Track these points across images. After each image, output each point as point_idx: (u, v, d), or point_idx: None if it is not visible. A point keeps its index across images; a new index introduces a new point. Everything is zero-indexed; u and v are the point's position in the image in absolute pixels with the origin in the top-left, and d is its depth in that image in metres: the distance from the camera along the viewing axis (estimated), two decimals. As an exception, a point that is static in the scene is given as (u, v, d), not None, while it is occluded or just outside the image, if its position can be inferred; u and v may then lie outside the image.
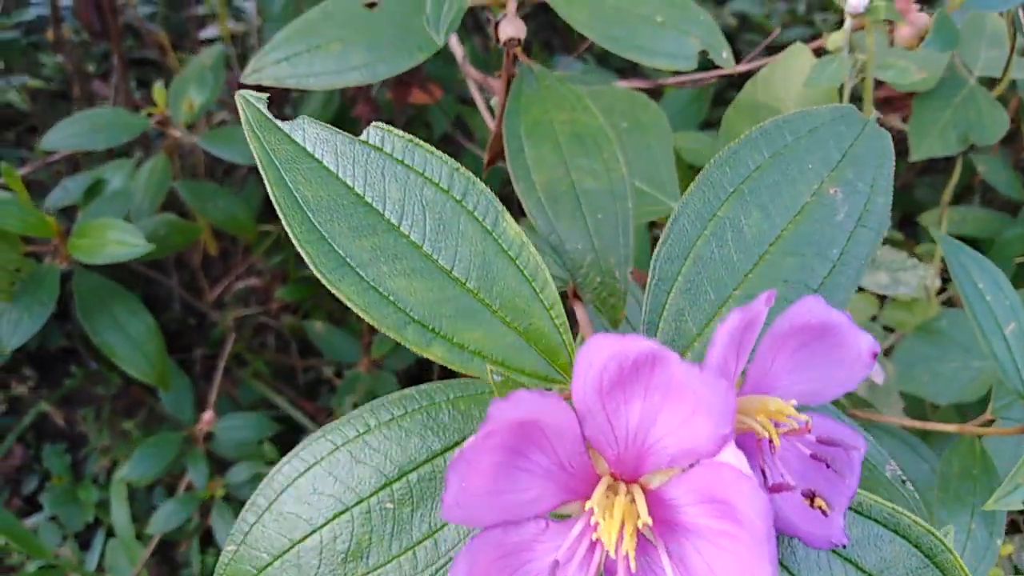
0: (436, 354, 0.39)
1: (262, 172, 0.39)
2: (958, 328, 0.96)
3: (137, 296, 1.07)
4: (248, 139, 0.40)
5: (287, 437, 2.11)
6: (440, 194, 0.39)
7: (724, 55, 0.66)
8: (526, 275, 0.40)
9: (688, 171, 0.88)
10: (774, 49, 1.02)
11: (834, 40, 0.69)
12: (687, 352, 0.42)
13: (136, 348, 1.05)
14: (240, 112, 0.40)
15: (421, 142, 0.40)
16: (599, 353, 0.32)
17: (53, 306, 0.97)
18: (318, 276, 0.39)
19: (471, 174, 0.40)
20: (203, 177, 2.02)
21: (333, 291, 0.39)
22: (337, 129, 0.41)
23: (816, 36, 2.36)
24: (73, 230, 0.97)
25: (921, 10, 0.72)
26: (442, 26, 0.59)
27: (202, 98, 1.21)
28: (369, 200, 0.40)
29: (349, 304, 0.39)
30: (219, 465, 1.61)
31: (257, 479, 1.33)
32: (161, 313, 2.13)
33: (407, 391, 0.43)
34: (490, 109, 0.82)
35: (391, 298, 0.39)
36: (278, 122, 0.40)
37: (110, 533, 1.85)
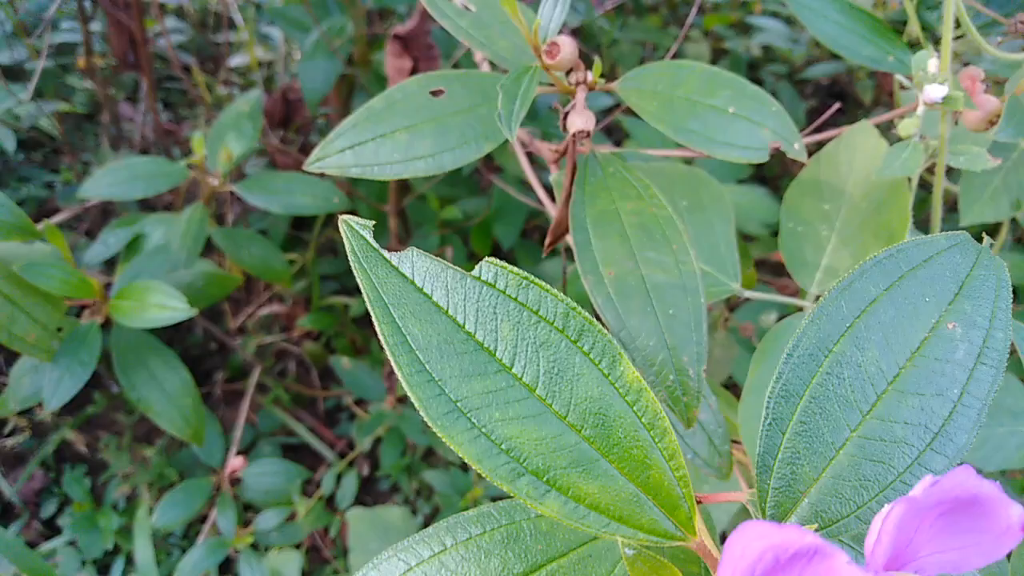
0: (551, 508, 0.36)
1: (368, 307, 0.36)
2: (1007, 392, 0.93)
3: (174, 351, 1.04)
4: (354, 270, 0.37)
5: (306, 460, 2.08)
6: (555, 334, 0.37)
7: (796, 147, 0.63)
8: (644, 422, 0.37)
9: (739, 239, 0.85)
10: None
11: (906, 127, 0.66)
12: (803, 497, 0.39)
13: (172, 403, 1.03)
14: (344, 240, 0.38)
15: (535, 279, 0.37)
16: (754, 543, 0.29)
17: (94, 365, 0.94)
18: (428, 422, 0.36)
19: (586, 313, 0.37)
20: (226, 207, 1.99)
21: (443, 438, 0.36)
22: (447, 263, 0.38)
23: (849, 71, 2.32)
24: (113, 290, 0.94)
25: (987, 91, 0.69)
26: (514, 123, 0.56)
27: (240, 148, 1.18)
28: (480, 339, 0.37)
29: (460, 453, 0.36)
30: (244, 505, 1.58)
31: (285, 526, 1.30)
32: (183, 339, 2.10)
33: (484, 508, 0.41)
34: (545, 186, 0.79)
35: (504, 446, 0.36)
36: (386, 253, 0.38)
37: (129, 560, 1.82)
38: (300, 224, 2.19)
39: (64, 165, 2.45)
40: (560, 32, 0.63)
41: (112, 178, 1.16)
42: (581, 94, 0.61)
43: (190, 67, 2.43)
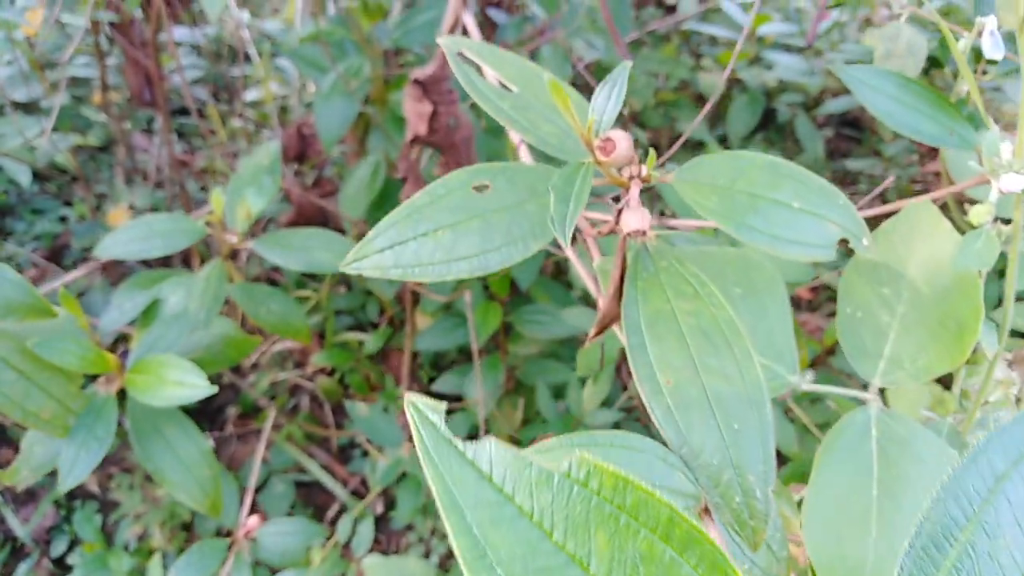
0: None
1: (441, 512, 0.31)
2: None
3: (191, 420, 0.99)
4: (424, 465, 0.31)
5: (318, 498, 2.03)
6: (658, 545, 0.31)
7: (864, 242, 0.58)
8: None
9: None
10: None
11: (978, 215, 0.61)
12: None
13: (189, 473, 0.97)
14: (412, 428, 0.32)
15: (634, 479, 0.31)
16: None
17: (111, 440, 0.89)
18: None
19: (691, 520, 0.31)
20: (242, 258, 1.94)
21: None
22: (529, 456, 0.32)
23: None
24: (130, 361, 0.89)
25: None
26: (568, 226, 0.51)
27: (260, 204, 1.13)
28: (572, 551, 0.31)
29: None
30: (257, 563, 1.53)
31: (302, 581, 1.25)
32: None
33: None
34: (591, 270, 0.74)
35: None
36: (459, 443, 0.32)
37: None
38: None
39: (78, 198, 2.41)
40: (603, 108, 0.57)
41: (129, 235, 1.11)
42: (635, 189, 0.56)
43: (205, 103, 2.38)
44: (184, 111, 2.67)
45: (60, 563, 1.93)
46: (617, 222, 0.56)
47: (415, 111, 1.41)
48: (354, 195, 1.80)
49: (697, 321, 0.58)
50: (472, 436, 1.40)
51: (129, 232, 1.11)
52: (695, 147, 2.64)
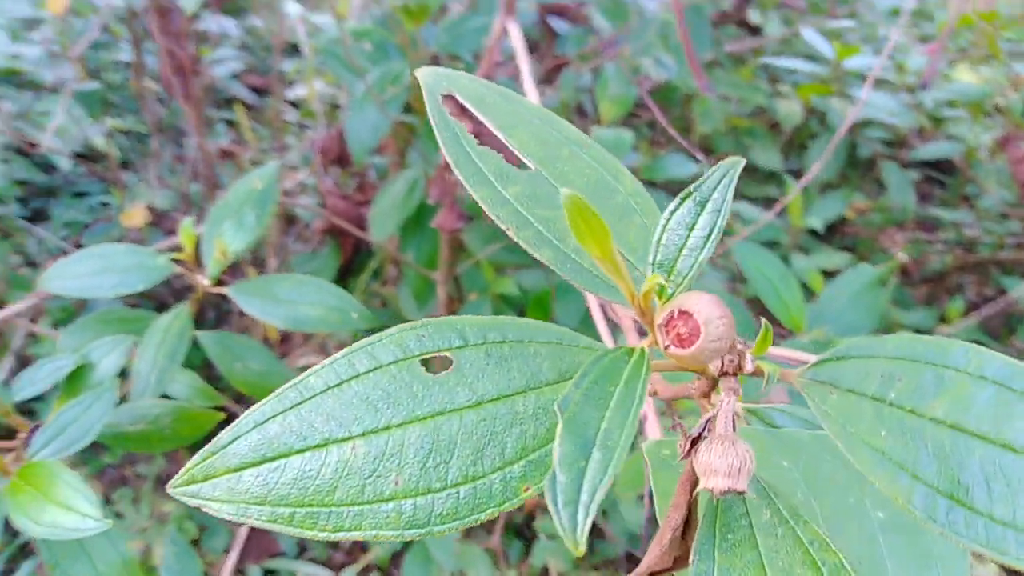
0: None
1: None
2: None
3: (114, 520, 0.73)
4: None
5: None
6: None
7: None
8: None
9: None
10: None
11: None
12: None
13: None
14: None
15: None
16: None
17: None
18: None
19: None
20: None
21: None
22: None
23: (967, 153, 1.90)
24: (17, 466, 0.63)
25: None
26: (583, 524, 0.22)
27: (239, 243, 0.86)
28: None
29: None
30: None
31: None
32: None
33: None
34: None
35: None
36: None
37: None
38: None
39: (115, 187, 2.20)
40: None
41: (78, 268, 0.86)
42: (728, 402, 0.27)
43: (243, 101, 2.13)
44: (231, 101, 2.43)
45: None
46: (689, 454, 0.27)
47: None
48: (385, 213, 1.53)
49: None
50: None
51: (79, 265, 0.86)
52: (767, 178, 2.30)
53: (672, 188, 2.20)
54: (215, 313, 1.82)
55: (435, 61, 1.72)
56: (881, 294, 0.98)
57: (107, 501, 1.78)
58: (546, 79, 2.02)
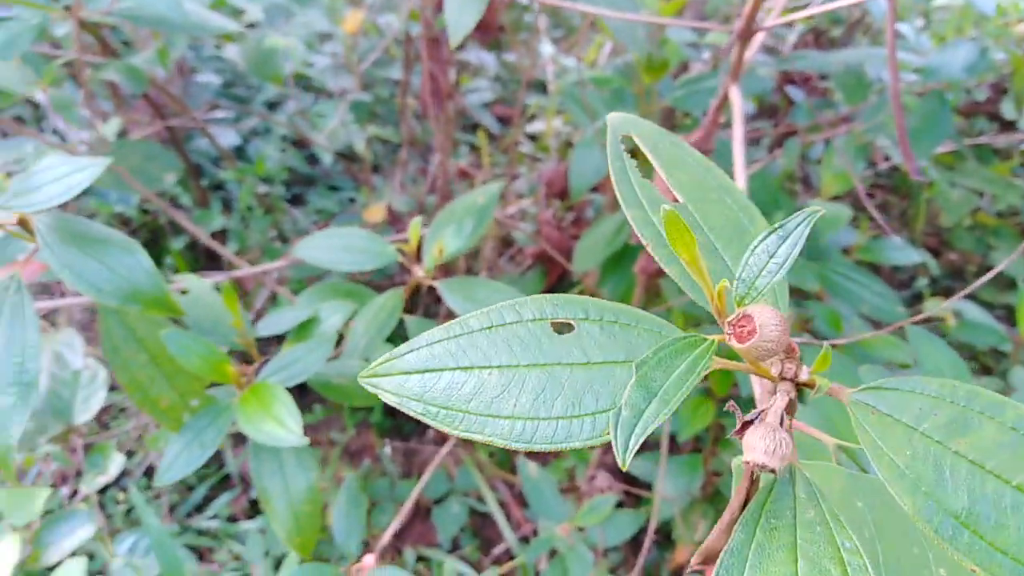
0: None
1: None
2: None
3: (315, 451, 0.89)
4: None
5: (489, 532, 1.90)
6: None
7: None
8: None
9: None
10: None
11: None
12: None
13: (290, 507, 0.87)
14: None
15: None
16: None
17: (215, 449, 0.81)
18: None
19: None
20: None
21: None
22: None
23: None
24: (248, 381, 0.81)
25: None
26: (632, 444, 0.31)
27: (455, 245, 1.02)
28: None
29: None
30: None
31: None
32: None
33: None
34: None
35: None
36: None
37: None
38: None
39: (364, 186, 2.51)
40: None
41: (325, 243, 1.05)
42: (781, 401, 0.34)
43: (487, 129, 2.36)
44: (476, 126, 2.69)
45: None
46: (741, 432, 0.35)
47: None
48: (591, 248, 1.65)
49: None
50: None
51: (328, 239, 1.05)
52: (1007, 285, 2.15)
53: (886, 273, 2.12)
54: (423, 309, 2.02)
55: (667, 114, 1.82)
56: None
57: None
58: (777, 143, 2.05)
